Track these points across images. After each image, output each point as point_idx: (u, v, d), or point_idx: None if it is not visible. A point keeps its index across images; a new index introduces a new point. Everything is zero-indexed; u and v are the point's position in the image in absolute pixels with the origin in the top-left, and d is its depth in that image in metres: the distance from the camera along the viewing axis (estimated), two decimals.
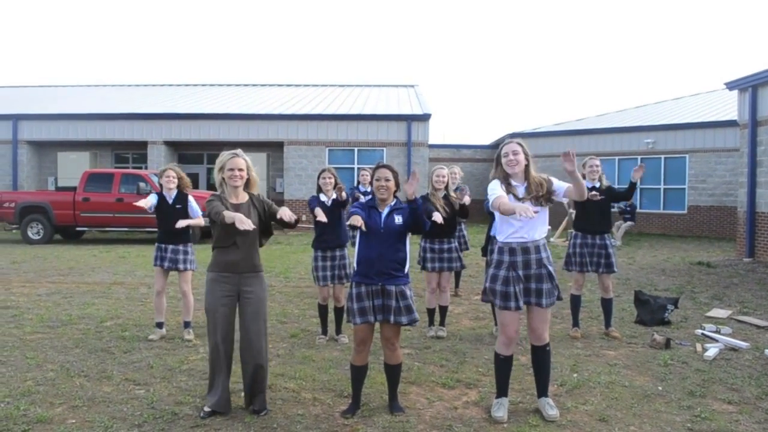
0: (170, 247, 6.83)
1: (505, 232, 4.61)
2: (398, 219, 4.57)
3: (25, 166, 23.96)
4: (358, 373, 4.68)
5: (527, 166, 4.58)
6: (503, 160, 4.58)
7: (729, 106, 22.02)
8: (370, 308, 4.51)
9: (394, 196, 4.69)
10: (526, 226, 4.51)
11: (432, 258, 7.02)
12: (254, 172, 4.78)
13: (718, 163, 21.39)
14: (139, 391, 5.08)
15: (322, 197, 6.72)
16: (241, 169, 4.63)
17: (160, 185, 6.92)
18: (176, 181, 6.89)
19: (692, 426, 4.45)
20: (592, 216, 6.99)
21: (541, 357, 4.69)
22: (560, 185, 4.61)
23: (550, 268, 4.58)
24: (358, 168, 22.66)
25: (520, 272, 4.53)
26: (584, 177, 7.10)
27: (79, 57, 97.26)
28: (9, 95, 29.81)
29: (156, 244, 6.92)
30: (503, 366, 4.66)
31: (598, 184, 7.06)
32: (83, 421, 4.42)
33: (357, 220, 4.42)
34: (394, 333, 4.57)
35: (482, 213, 7.12)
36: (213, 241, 4.72)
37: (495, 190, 4.56)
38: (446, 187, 6.95)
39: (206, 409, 4.55)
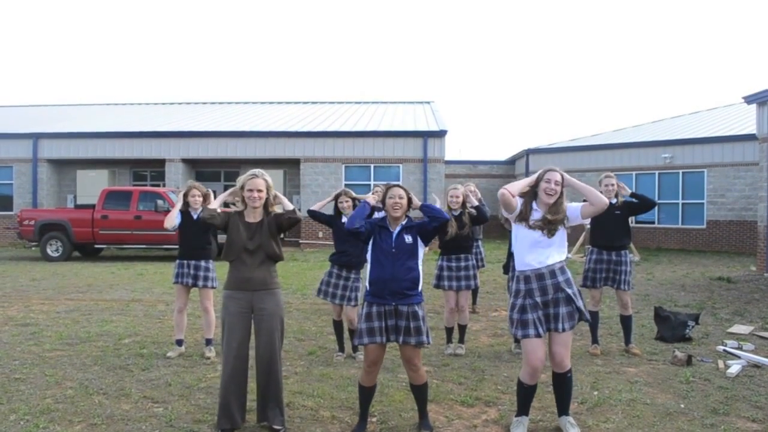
0: (192, 263, 6.85)
1: (520, 261, 4.59)
2: (408, 238, 4.55)
3: (45, 184, 24.22)
4: (367, 394, 4.64)
5: (559, 198, 4.57)
6: (543, 185, 4.54)
7: (747, 120, 21.85)
8: (380, 329, 4.46)
9: (406, 215, 4.68)
10: (539, 252, 4.50)
11: (449, 276, 6.99)
12: (273, 192, 4.80)
13: (737, 178, 21.19)
14: (158, 408, 5.09)
15: (344, 219, 6.72)
16: (260, 190, 4.66)
17: (186, 203, 6.91)
18: (201, 199, 6.92)
19: None
20: (609, 231, 6.93)
21: (562, 383, 4.63)
22: (573, 209, 4.60)
23: (569, 291, 4.51)
24: (374, 185, 22.69)
25: (538, 299, 4.49)
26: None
27: (98, 76, 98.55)
28: (29, 114, 30.23)
29: (177, 261, 6.94)
30: (526, 393, 4.61)
31: (614, 201, 7.00)
32: None
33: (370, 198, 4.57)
34: (413, 354, 4.51)
35: (499, 229, 7.10)
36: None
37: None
38: (462, 205, 6.94)
39: (224, 428, 4.53)
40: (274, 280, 4.75)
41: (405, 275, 4.48)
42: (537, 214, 4.55)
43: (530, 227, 4.51)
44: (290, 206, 4.82)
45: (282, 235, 4.87)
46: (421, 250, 4.63)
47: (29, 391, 5.52)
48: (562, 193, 4.56)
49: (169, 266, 7.12)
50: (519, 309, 4.51)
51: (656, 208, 22.35)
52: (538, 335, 4.44)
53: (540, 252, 4.49)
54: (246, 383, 4.74)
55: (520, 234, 4.58)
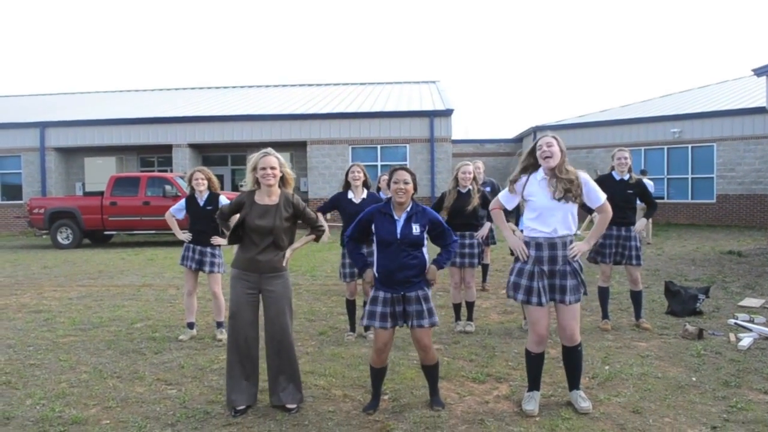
0: (198, 248, 6.87)
1: (533, 228, 4.56)
2: (416, 228, 4.45)
3: (53, 173, 24.32)
4: (379, 374, 4.66)
5: (561, 162, 4.51)
6: (538, 153, 4.52)
7: (756, 93, 21.62)
8: (389, 314, 4.45)
9: (411, 199, 4.57)
10: (553, 221, 4.48)
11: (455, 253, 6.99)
12: (288, 168, 4.79)
13: (746, 151, 21.02)
14: (171, 390, 5.13)
15: (350, 195, 6.70)
16: (273, 168, 4.62)
17: (191, 188, 6.96)
18: (206, 182, 6.92)
19: (728, 417, 4.38)
20: (620, 208, 6.89)
21: (572, 357, 4.62)
22: (595, 198, 4.62)
23: (575, 265, 4.53)
24: (381, 165, 22.66)
25: (545, 267, 4.48)
26: (613, 169, 7.03)
27: (104, 64, 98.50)
28: (36, 103, 30.31)
29: (185, 244, 6.97)
30: (535, 363, 4.62)
31: (627, 177, 6.96)
32: (117, 422, 4.47)
33: (368, 275, 4.59)
34: (424, 334, 4.50)
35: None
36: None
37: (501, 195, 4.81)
38: (474, 181, 6.93)
39: (238, 407, 4.57)
40: (283, 265, 4.74)
41: (411, 265, 4.44)
42: (544, 182, 4.53)
43: (551, 195, 4.49)
44: (323, 223, 4.94)
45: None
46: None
47: (44, 376, 5.57)
48: (562, 154, 4.52)
49: (179, 251, 7.15)
50: (527, 275, 4.48)
51: (665, 182, 22.30)
52: (540, 304, 4.44)
53: (555, 219, 4.48)
54: (256, 364, 4.76)
55: (535, 201, 4.52)
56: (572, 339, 4.56)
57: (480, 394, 4.95)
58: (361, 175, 6.70)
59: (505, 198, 4.77)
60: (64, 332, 7.25)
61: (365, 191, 6.73)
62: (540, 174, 4.56)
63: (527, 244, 4.55)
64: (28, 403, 4.85)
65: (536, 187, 4.54)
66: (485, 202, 6.95)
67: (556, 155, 4.46)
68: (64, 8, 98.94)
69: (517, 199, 4.70)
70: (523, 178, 4.62)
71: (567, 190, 4.45)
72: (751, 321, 7.05)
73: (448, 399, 4.82)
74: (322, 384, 5.22)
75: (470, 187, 6.90)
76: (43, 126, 24.21)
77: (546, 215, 4.49)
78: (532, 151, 4.60)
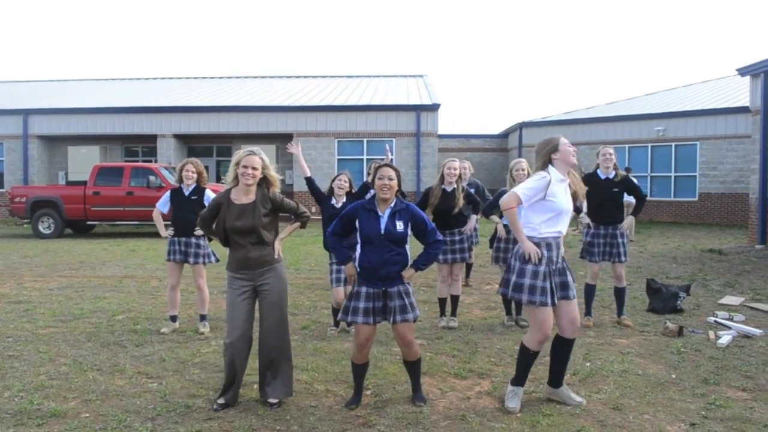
0: (183, 240, 6.83)
1: (544, 229, 4.50)
2: (400, 225, 4.45)
3: (35, 161, 24.07)
4: (360, 370, 4.67)
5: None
6: (567, 149, 4.55)
7: (740, 93, 21.82)
8: (370, 310, 4.44)
9: (395, 195, 4.55)
10: (565, 220, 4.56)
11: (444, 250, 6.98)
12: (272, 171, 4.75)
13: (729, 150, 21.20)
14: (152, 384, 5.10)
15: (333, 200, 6.72)
16: (255, 168, 4.57)
17: (181, 178, 6.90)
18: (195, 176, 6.89)
19: (707, 413, 4.42)
20: (607, 207, 6.94)
21: (568, 349, 4.67)
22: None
23: (565, 263, 4.65)
24: (367, 159, 22.63)
25: (553, 267, 4.51)
26: (598, 167, 7.07)
27: (88, 51, 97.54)
28: (19, 90, 29.95)
29: (169, 239, 6.92)
30: (531, 360, 4.61)
31: (612, 174, 7.00)
32: (97, 415, 4.44)
33: (350, 269, 4.58)
34: (406, 329, 4.51)
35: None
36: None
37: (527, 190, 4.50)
38: (458, 180, 6.92)
39: (219, 401, 4.55)
40: (274, 257, 4.71)
41: (394, 261, 4.44)
42: (564, 184, 4.57)
43: (570, 197, 4.58)
44: (304, 210, 4.91)
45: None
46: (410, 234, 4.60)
47: (23, 368, 5.52)
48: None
49: (162, 242, 7.10)
50: (542, 276, 4.41)
51: (648, 180, 22.44)
52: (554, 304, 4.46)
53: (566, 220, 4.56)
54: (246, 363, 4.73)
55: (556, 203, 4.47)
56: (577, 331, 4.67)
57: (462, 390, 4.96)
58: (347, 185, 6.76)
59: (532, 194, 4.47)
60: (44, 323, 7.19)
61: (345, 197, 6.75)
62: (558, 175, 4.55)
63: (538, 245, 4.48)
64: (6, 396, 4.80)
65: (559, 188, 4.52)
66: (470, 200, 6.98)
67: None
68: None
69: (539, 197, 4.50)
70: (548, 176, 4.53)
71: (574, 192, 4.60)
72: (731, 319, 7.12)
73: (430, 394, 4.83)
74: (305, 379, 5.21)
75: (455, 186, 6.90)
76: (26, 113, 23.93)
77: (564, 216, 4.54)
78: (553, 149, 4.55)
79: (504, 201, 4.53)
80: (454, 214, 6.87)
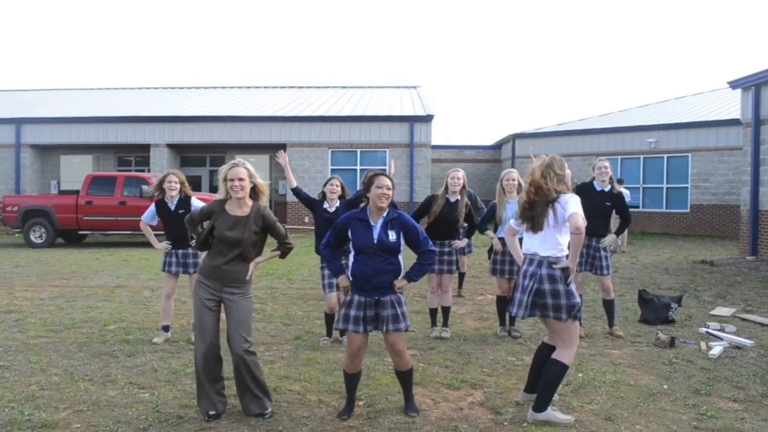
0: (180, 251, 6.82)
1: (565, 246, 4.63)
2: (392, 235, 4.47)
3: (28, 170, 23.98)
4: (352, 380, 4.66)
5: None
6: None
7: (731, 105, 21.94)
8: (362, 319, 4.45)
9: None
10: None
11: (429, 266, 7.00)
12: (259, 179, 4.74)
13: (720, 162, 21.32)
14: (144, 394, 5.08)
15: (325, 204, 6.75)
16: (241, 179, 4.56)
17: (161, 191, 6.88)
18: (178, 186, 6.88)
19: (698, 424, 4.44)
20: (597, 220, 6.92)
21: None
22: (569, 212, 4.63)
23: None
24: (360, 170, 22.65)
25: None
26: (594, 179, 7.10)
27: (81, 61, 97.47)
28: (12, 99, 29.85)
29: (165, 251, 6.89)
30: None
31: (608, 188, 7.03)
32: (88, 425, 4.42)
33: (343, 281, 4.57)
34: (398, 339, 4.51)
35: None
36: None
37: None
38: (463, 190, 6.96)
39: (210, 412, 4.53)
40: (246, 278, 4.67)
41: (387, 271, 4.46)
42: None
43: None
44: (290, 241, 4.90)
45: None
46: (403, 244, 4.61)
47: (14, 378, 5.49)
48: None
49: (154, 252, 7.06)
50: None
51: (641, 191, 22.53)
52: None
53: None
54: (221, 369, 4.70)
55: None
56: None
57: (454, 401, 4.96)
58: (339, 188, 6.79)
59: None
60: (35, 333, 7.15)
61: (338, 201, 6.78)
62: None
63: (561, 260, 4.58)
64: None
65: None
66: (468, 218, 7.01)
67: None
68: (43, 3, 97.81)
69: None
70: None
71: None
72: (722, 330, 7.15)
73: (422, 405, 4.82)
74: (297, 389, 5.20)
75: (458, 197, 6.93)
76: (18, 122, 23.85)
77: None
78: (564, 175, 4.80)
79: (581, 222, 4.48)
80: (453, 225, 6.91)
